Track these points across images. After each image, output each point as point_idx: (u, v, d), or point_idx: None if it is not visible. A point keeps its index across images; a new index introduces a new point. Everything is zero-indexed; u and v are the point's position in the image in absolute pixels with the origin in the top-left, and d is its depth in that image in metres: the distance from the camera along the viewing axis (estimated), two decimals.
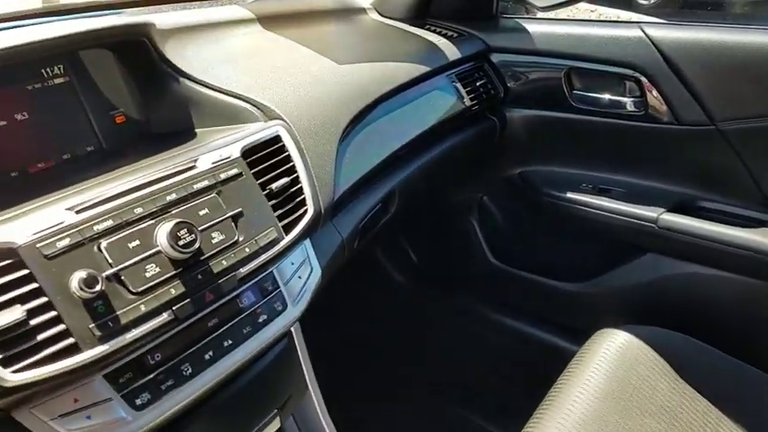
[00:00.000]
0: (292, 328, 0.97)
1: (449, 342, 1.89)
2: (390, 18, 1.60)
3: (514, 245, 1.76)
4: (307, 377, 1.01)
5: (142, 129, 0.98)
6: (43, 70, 0.89)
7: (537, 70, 1.52)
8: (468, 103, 1.42)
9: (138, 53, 0.93)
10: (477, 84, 1.47)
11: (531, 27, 1.52)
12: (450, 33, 1.52)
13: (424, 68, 1.35)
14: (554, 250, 1.70)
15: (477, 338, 1.84)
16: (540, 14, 1.62)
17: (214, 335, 0.79)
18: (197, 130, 0.98)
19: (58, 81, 0.91)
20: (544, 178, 1.59)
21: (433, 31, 1.55)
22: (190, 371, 0.75)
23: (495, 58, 1.55)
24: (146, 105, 0.97)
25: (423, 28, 1.56)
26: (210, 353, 0.78)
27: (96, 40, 0.88)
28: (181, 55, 1.00)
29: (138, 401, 0.70)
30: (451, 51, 1.44)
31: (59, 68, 0.91)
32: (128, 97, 0.97)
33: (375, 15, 1.61)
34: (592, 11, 2.18)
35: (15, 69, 0.85)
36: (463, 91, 1.42)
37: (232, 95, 0.98)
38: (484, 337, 1.83)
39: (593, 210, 1.50)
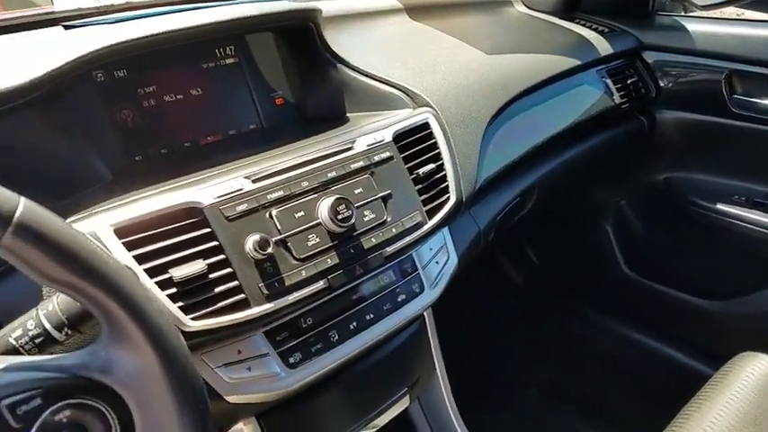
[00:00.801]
0: (425, 313, 0.99)
1: (566, 349, 1.83)
2: (538, 11, 1.57)
3: (652, 255, 1.67)
4: (435, 361, 1.03)
5: (298, 111, 1.04)
6: (217, 50, 0.98)
7: (694, 71, 1.43)
8: (617, 100, 1.37)
9: (302, 38, 0.99)
10: (628, 81, 1.40)
11: (691, 26, 1.43)
12: (600, 28, 1.47)
13: (573, 62, 1.32)
14: (696, 264, 1.59)
15: (597, 348, 1.77)
16: (698, 13, 1.52)
17: (358, 307, 0.83)
18: (348, 115, 1.03)
19: (229, 61, 0.99)
20: (692, 186, 1.49)
21: (583, 25, 1.50)
22: (336, 337, 0.80)
23: (649, 56, 1.47)
24: (303, 89, 1.03)
25: (572, 22, 1.52)
26: (354, 323, 0.82)
27: (267, 23, 0.95)
28: (336, 42, 1.05)
29: (292, 360, 0.76)
30: (603, 46, 1.39)
31: (230, 49, 0.99)
32: (287, 81, 1.03)
33: (522, 8, 1.59)
34: (738, 14, 2.01)
35: (193, 48, 0.94)
36: (613, 88, 1.37)
37: (385, 82, 1.02)
38: (605, 348, 1.75)
39: (746, 224, 1.38)
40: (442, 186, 0.92)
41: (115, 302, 0.42)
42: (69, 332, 0.53)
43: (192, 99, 0.95)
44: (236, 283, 0.70)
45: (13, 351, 0.52)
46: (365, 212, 0.81)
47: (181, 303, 0.66)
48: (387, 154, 0.86)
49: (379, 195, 0.83)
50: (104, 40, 0.77)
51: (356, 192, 0.81)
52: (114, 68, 0.87)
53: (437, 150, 0.93)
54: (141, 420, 0.45)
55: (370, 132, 0.88)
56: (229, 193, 0.72)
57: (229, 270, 0.70)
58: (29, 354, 0.53)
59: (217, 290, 0.69)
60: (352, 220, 0.77)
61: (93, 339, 0.61)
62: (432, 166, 0.91)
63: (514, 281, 2.00)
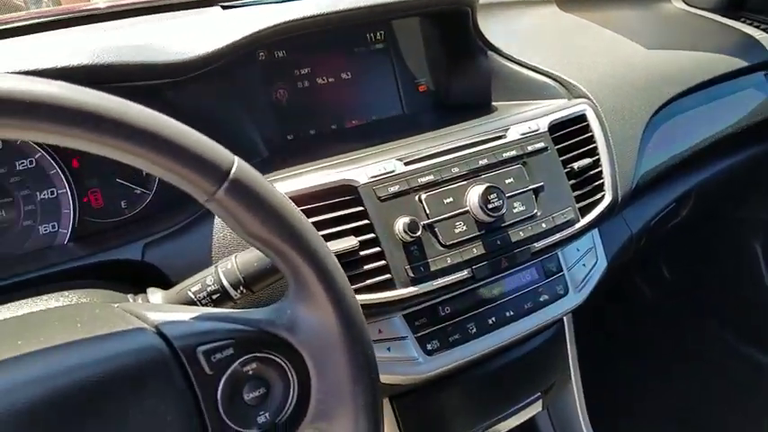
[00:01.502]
0: (564, 317, 0.94)
1: (701, 375, 1.67)
2: (698, 8, 1.44)
3: None
4: (571, 368, 0.97)
5: (440, 98, 1.02)
6: (368, 35, 0.98)
7: None
8: None
9: (454, 23, 0.97)
10: None
11: None
12: None
13: (738, 63, 1.19)
14: None
15: (736, 378, 1.60)
16: None
17: (499, 302, 0.80)
18: (494, 104, 0.99)
19: (378, 47, 1.00)
20: None
21: (749, 25, 1.36)
22: (474, 330, 0.77)
23: None
24: (449, 75, 1.01)
25: (737, 20, 1.38)
26: (494, 318, 0.79)
27: (423, 7, 0.94)
28: (484, 29, 1.02)
29: (429, 346, 0.74)
30: None
31: (381, 34, 0.99)
32: (431, 67, 1.02)
33: (680, 4, 1.47)
34: None
35: (347, 32, 0.95)
36: None
37: (538, 71, 0.97)
38: (743, 378, 1.58)
39: None
40: (597, 183, 0.86)
41: (306, 262, 0.43)
42: (243, 291, 0.55)
43: (342, 82, 0.96)
44: (383, 262, 0.69)
45: (191, 304, 0.55)
46: (515, 204, 0.77)
47: None
48: (541, 144, 0.82)
49: (531, 187, 0.79)
50: (272, 19, 0.79)
51: (507, 181, 0.78)
52: (275, 48, 0.90)
53: (593, 144, 0.88)
54: (317, 382, 0.45)
55: (524, 121, 0.84)
56: (382, 174, 0.72)
57: (378, 249, 0.69)
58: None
59: (366, 267, 0.69)
60: (503, 211, 0.74)
61: (264, 299, 0.63)
62: (587, 160, 0.86)
63: (642, 292, 1.86)
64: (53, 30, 0.81)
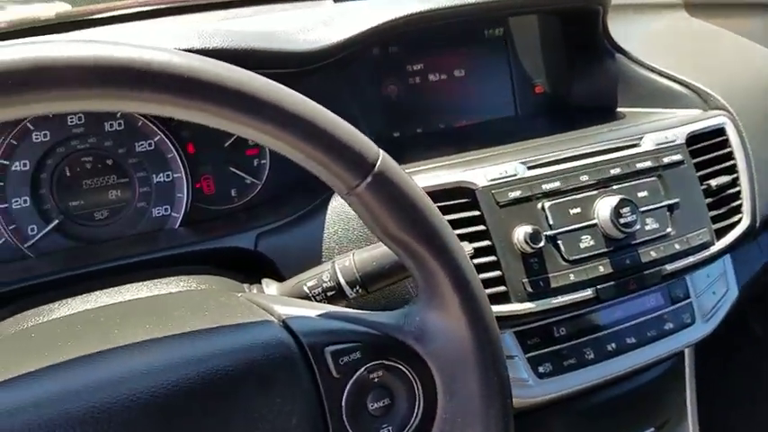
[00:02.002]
0: (686, 350, 0.86)
1: None
2: None
3: None
4: (689, 405, 0.88)
5: (557, 100, 0.96)
6: (485, 31, 0.94)
7: None
8: None
9: (582, 22, 0.91)
10: None
11: None
12: None
13: None
14: None
15: None
16: None
17: (619, 327, 0.73)
18: (620, 110, 0.92)
19: (495, 44, 0.95)
20: None
21: None
22: (591, 356, 0.71)
23: None
24: (569, 77, 0.95)
25: None
26: (613, 344, 0.72)
27: (551, 4, 0.89)
28: (612, 31, 0.95)
29: (541, 369, 0.69)
30: None
31: (499, 31, 0.94)
32: (549, 68, 0.96)
33: None
34: None
35: (463, 28, 0.91)
36: None
37: (670, 78, 0.89)
38: None
39: None
40: (735, 204, 0.78)
41: (443, 268, 0.39)
42: (359, 291, 0.52)
43: (455, 80, 0.92)
44: (498, 273, 0.65)
45: (305, 298, 0.53)
46: (647, 220, 0.70)
47: None
48: (678, 157, 0.74)
49: (666, 203, 0.72)
50: (394, 12, 0.77)
51: (640, 195, 0.71)
52: (390, 43, 0.88)
53: (732, 161, 0.79)
54: (445, 399, 0.42)
55: (659, 130, 0.76)
56: (503, 178, 0.67)
57: (494, 258, 0.65)
58: None
59: (479, 277, 0.64)
60: (635, 227, 0.67)
61: (380, 301, 0.60)
62: (726, 178, 0.77)
63: (754, 330, 1.70)
64: (159, 17, 0.82)
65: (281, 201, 0.76)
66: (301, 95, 0.37)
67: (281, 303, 0.43)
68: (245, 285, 0.58)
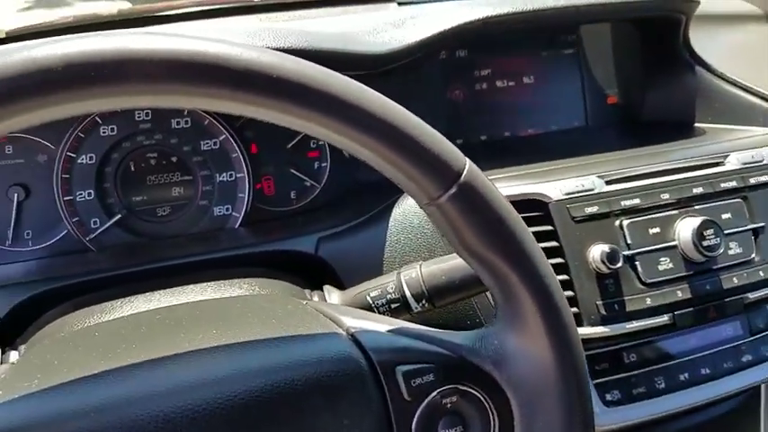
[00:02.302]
0: (763, 385, 0.80)
1: None
2: None
3: None
4: None
5: (630, 113, 0.92)
6: (557, 38, 0.90)
7: None
8: None
9: (662, 33, 0.86)
10: None
11: None
12: None
13: None
14: None
15: None
16: None
17: (694, 356, 0.68)
18: (698, 125, 0.87)
19: (567, 51, 0.91)
20: None
21: None
22: (663, 385, 0.66)
23: None
24: (645, 89, 0.90)
25: None
26: (686, 375, 0.67)
27: (629, 12, 0.84)
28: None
29: (609, 396, 0.64)
30: None
31: (571, 38, 0.91)
32: (624, 78, 0.92)
33: None
34: None
35: (534, 35, 0.88)
36: None
37: (756, 94, 0.84)
38: None
39: None
40: None
41: (528, 289, 0.36)
42: (425, 305, 0.50)
43: (523, 87, 0.89)
44: (570, 293, 0.61)
45: (368, 309, 0.51)
46: (731, 244, 0.66)
47: None
48: (765, 178, 0.69)
49: (751, 227, 0.67)
50: (465, 16, 0.74)
51: (724, 217, 0.66)
52: (458, 47, 0.85)
53: None
54: (523, 431, 0.38)
55: (746, 149, 0.71)
56: (579, 192, 0.64)
57: (566, 277, 0.61)
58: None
59: None
60: (719, 251, 0.63)
61: (447, 317, 0.58)
62: None
63: None
64: (221, 17, 0.82)
65: (342, 205, 0.75)
66: (385, 98, 0.34)
67: (349, 315, 0.41)
68: (307, 291, 0.56)
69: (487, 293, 0.58)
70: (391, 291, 0.51)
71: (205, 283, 0.53)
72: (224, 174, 0.74)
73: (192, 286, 0.52)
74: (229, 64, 0.30)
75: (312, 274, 0.63)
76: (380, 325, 0.40)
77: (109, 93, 0.28)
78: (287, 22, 0.81)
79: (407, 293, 0.50)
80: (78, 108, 0.29)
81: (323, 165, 0.79)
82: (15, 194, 0.66)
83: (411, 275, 0.50)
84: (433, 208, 0.36)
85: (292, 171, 0.77)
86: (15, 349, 0.48)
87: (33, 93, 0.27)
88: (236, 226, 0.74)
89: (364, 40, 0.69)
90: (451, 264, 0.50)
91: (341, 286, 0.60)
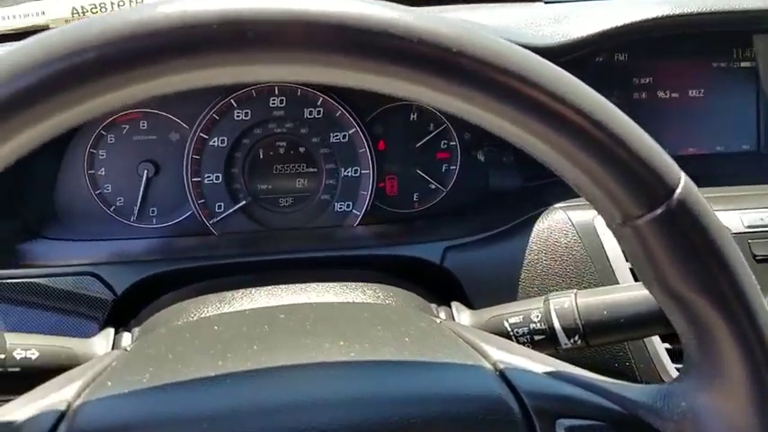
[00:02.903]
0: None
1: None
2: None
3: None
4: None
5: None
6: (732, 50, 0.78)
7: None
8: None
9: None
10: None
11: None
12: None
13: None
14: None
15: None
16: None
17: None
18: None
19: (743, 65, 0.79)
20: None
21: None
22: None
23: None
24: None
25: None
26: None
27: None
28: None
29: None
30: None
31: (749, 52, 0.78)
32: None
33: None
34: None
35: (706, 43, 0.77)
36: None
37: None
38: None
39: None
40: None
41: (741, 345, 0.28)
42: (578, 342, 0.42)
43: (688, 100, 0.78)
44: None
45: (503, 336, 0.44)
46: None
47: (668, 345, 0.50)
48: None
49: None
50: (631, 15, 0.66)
51: None
52: (618, 50, 0.76)
53: None
54: None
55: None
56: (763, 227, 0.53)
57: None
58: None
59: None
60: None
61: (596, 358, 0.50)
62: None
63: None
64: None
65: (470, 213, 0.69)
66: (592, 90, 0.27)
67: (493, 345, 0.35)
68: (433, 306, 0.50)
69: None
70: (536, 319, 0.43)
71: (326, 284, 0.49)
72: (349, 168, 0.70)
73: (313, 285, 0.48)
74: (437, 41, 0.24)
75: (434, 285, 0.58)
76: (534, 363, 0.34)
77: (267, 59, 0.24)
78: (439, 13, 0.76)
79: (557, 325, 0.43)
80: (230, 74, 0.24)
81: (451, 168, 0.74)
82: (146, 170, 0.66)
83: (563, 305, 0.43)
84: (628, 230, 0.29)
85: (418, 172, 0.73)
86: (129, 331, 0.46)
87: (184, 52, 0.23)
88: (355, 224, 0.71)
89: (524, 33, 0.62)
90: (617, 298, 0.42)
91: (467, 302, 0.54)
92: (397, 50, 0.24)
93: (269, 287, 0.47)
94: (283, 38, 0.23)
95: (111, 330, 0.45)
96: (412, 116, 0.72)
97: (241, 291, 0.47)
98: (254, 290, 0.47)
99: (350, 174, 0.70)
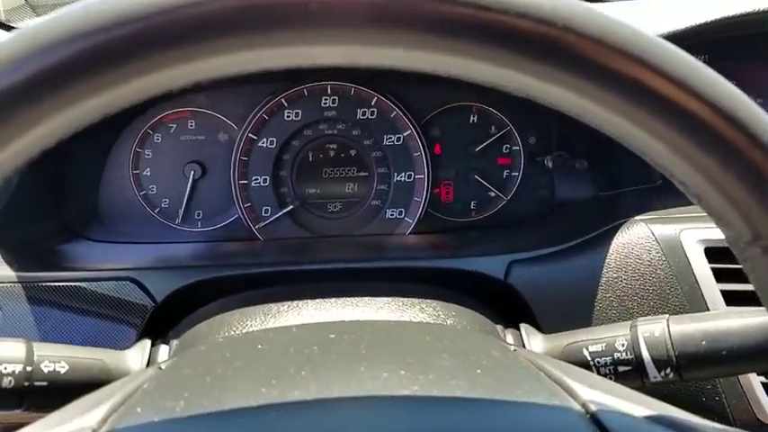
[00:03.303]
0: None
1: None
2: None
3: None
4: None
5: None
6: None
7: None
8: None
9: None
10: None
11: None
12: None
13: None
14: None
15: None
16: None
17: None
18: None
19: None
20: None
21: None
22: None
23: None
24: None
25: None
26: None
27: None
28: None
29: None
30: None
31: None
32: None
33: None
34: None
35: None
36: None
37: None
38: None
39: None
40: None
41: None
42: (670, 375, 0.37)
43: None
44: None
45: (581, 365, 0.38)
46: None
47: (764, 379, 0.44)
48: None
49: None
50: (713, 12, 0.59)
51: None
52: (696, 49, 0.69)
53: None
54: None
55: None
56: None
57: None
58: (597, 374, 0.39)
59: None
60: None
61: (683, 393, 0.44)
62: None
63: None
64: None
65: (535, 224, 0.63)
66: (721, 77, 0.22)
67: (579, 380, 0.30)
68: (499, 328, 0.45)
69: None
70: (621, 348, 0.38)
71: (379, 299, 0.44)
72: (402, 173, 0.66)
73: (366, 299, 0.44)
74: (540, 15, 0.19)
75: (495, 302, 0.52)
76: (630, 403, 0.28)
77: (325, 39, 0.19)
78: None
79: (646, 356, 0.37)
80: (295, 54, 0.20)
81: (513, 174, 0.68)
82: (192, 172, 0.63)
83: (654, 333, 0.37)
84: (757, 250, 0.23)
85: (476, 178, 0.68)
86: (167, 343, 0.43)
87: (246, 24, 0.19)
88: (407, 232, 0.66)
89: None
90: (719, 326, 0.36)
91: (534, 323, 0.48)
92: (494, 24, 0.19)
93: (317, 300, 0.43)
94: (356, 11, 0.19)
95: (148, 342, 0.42)
96: (472, 118, 0.68)
97: (287, 303, 0.43)
98: (300, 302, 0.43)
99: (403, 178, 0.66)
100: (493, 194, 0.68)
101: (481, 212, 0.69)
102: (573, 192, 0.66)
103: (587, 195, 0.65)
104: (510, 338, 0.44)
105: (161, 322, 0.47)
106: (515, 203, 0.68)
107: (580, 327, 0.43)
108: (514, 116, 0.67)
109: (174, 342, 0.42)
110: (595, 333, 0.40)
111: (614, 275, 0.49)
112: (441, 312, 0.44)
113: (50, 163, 0.55)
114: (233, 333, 0.40)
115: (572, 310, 0.47)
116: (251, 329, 0.40)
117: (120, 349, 0.42)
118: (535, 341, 0.43)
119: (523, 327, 0.45)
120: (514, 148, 0.68)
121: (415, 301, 0.45)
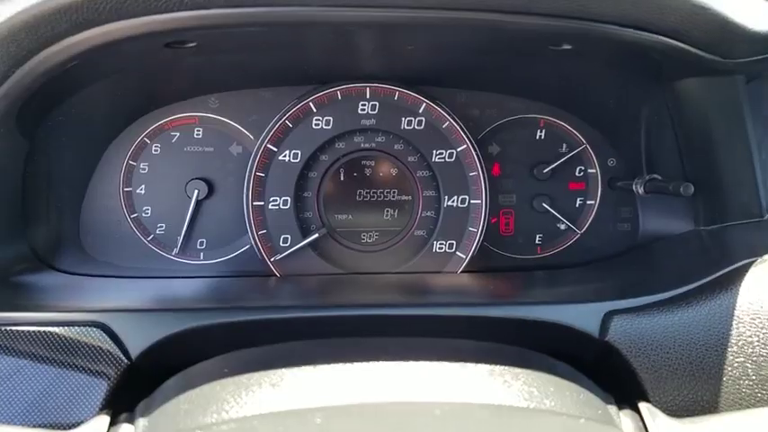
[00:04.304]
0: None
1: None
2: None
3: None
4: None
5: None
6: None
7: None
8: None
9: None
10: None
11: None
12: None
13: None
14: None
15: None
16: None
17: None
18: None
19: None
20: None
21: None
22: None
23: None
24: None
25: None
26: None
27: None
28: None
29: None
30: None
31: None
32: None
33: None
34: None
35: None
36: None
37: None
38: None
39: None
40: None
41: None
42: None
43: None
44: None
45: None
46: None
47: None
48: None
49: None
50: None
51: None
52: None
53: None
54: None
55: None
56: None
57: None
58: None
59: None
60: None
61: None
62: None
63: None
64: None
65: (626, 264, 0.51)
66: None
67: None
68: (611, 408, 0.32)
69: None
70: None
71: (441, 363, 0.31)
72: (454, 197, 0.54)
73: (418, 365, 0.31)
74: None
75: (579, 360, 0.39)
76: None
77: None
78: None
79: None
80: None
81: (588, 202, 0.56)
82: (196, 190, 0.52)
83: None
84: None
85: (544, 206, 0.56)
86: (132, 421, 0.30)
87: None
88: (459, 270, 0.54)
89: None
90: None
91: (643, 395, 0.35)
92: None
93: (347, 364, 0.30)
94: None
95: (107, 420, 0.30)
96: (539, 133, 0.56)
97: (305, 369, 0.30)
98: (325, 367, 0.30)
99: (454, 204, 0.54)
100: (563, 227, 0.57)
101: (548, 249, 0.57)
102: (665, 225, 0.53)
103: (684, 229, 0.52)
104: (629, 422, 0.31)
105: (136, 382, 0.34)
106: (590, 238, 0.57)
107: (706, 400, 0.31)
108: (591, 132, 0.55)
109: (142, 423, 0.29)
110: (750, 418, 0.27)
111: (746, 332, 0.36)
112: (534, 384, 0.31)
113: (19, 171, 0.44)
114: (226, 417, 0.27)
115: (692, 377, 0.35)
116: (253, 413, 0.27)
117: (73, 423, 0.30)
118: (664, 427, 0.29)
119: (644, 408, 0.32)
120: (590, 170, 0.57)
121: (493, 369, 0.31)
